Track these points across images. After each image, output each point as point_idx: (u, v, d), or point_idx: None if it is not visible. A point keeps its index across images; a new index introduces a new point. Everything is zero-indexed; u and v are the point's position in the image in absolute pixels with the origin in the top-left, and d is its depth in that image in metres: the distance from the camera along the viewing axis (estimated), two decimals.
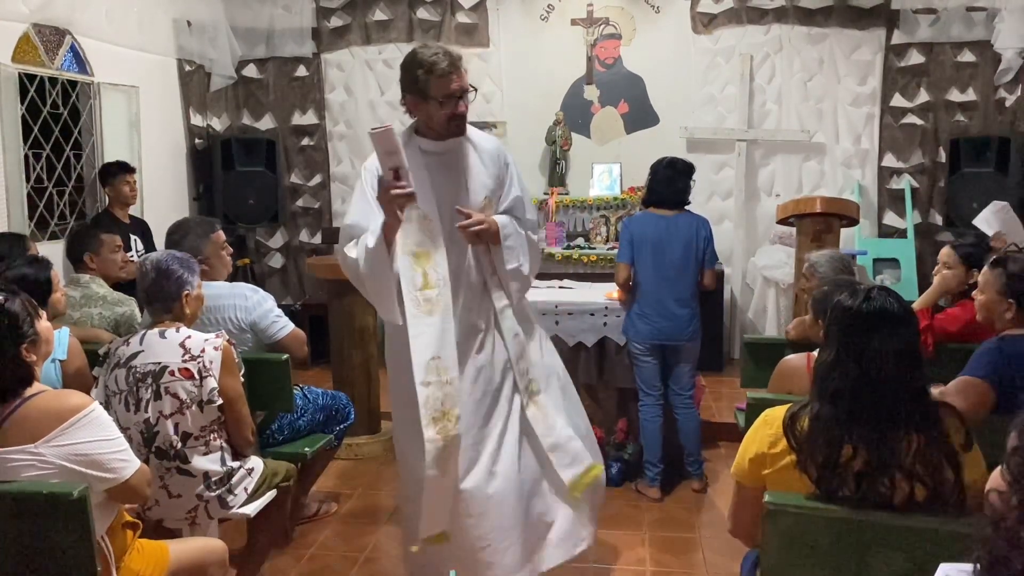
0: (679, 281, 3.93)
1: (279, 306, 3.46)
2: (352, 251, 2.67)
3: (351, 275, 2.74)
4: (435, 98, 2.63)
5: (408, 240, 2.67)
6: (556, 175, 6.49)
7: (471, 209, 2.73)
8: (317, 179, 6.92)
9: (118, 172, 4.95)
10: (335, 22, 6.69)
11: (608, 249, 6.11)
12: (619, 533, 3.69)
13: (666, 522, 3.80)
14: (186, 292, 2.76)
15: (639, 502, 4.01)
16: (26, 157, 4.71)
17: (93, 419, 2.03)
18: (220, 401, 2.66)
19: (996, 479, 1.23)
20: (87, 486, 1.97)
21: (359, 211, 2.71)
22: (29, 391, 2.03)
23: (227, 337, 2.75)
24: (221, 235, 3.42)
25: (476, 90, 2.74)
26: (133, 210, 5.16)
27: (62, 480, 1.98)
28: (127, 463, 2.09)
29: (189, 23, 6.20)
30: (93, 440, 2.02)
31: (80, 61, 5.10)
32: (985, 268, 2.72)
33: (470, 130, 2.81)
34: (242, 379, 2.79)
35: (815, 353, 2.17)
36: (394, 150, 2.46)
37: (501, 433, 2.79)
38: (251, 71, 6.76)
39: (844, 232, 4.83)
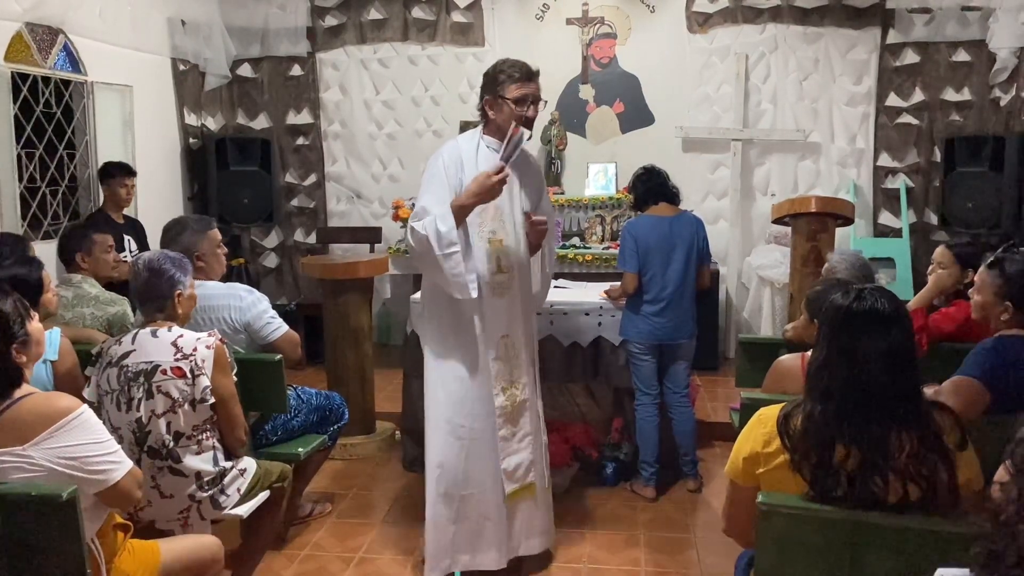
0: (684, 281, 3.94)
1: (274, 306, 3.45)
2: (422, 228, 2.89)
3: (418, 249, 2.95)
4: (510, 99, 3.03)
5: (484, 228, 3.04)
6: (551, 174, 6.48)
7: (531, 212, 3.16)
8: (312, 178, 6.91)
9: (117, 174, 4.92)
10: (330, 21, 6.67)
11: (604, 249, 6.10)
12: (614, 533, 3.68)
13: (661, 522, 3.80)
14: (178, 292, 2.75)
15: (634, 502, 4.01)
16: (19, 157, 4.69)
17: (82, 422, 2.02)
18: (212, 400, 2.65)
19: (1001, 472, 1.22)
20: (76, 488, 1.95)
21: (432, 197, 2.97)
22: (18, 393, 2.01)
23: (219, 336, 2.74)
24: (217, 233, 3.40)
25: (547, 102, 3.17)
26: (127, 210, 5.14)
27: (51, 483, 1.96)
28: (116, 466, 2.07)
29: (183, 22, 6.18)
30: (81, 443, 2.00)
31: (73, 60, 5.08)
32: (982, 268, 2.71)
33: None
34: (235, 379, 2.78)
35: (810, 353, 2.17)
36: (515, 150, 2.94)
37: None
38: (245, 70, 6.74)
39: (839, 232, 4.82)
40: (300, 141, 6.86)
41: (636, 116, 6.56)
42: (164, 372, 2.61)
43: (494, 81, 3.07)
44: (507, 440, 3.11)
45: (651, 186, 4.05)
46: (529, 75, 3.07)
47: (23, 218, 4.72)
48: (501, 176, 2.89)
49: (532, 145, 6.51)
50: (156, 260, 2.74)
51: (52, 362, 2.79)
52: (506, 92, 3.05)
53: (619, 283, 4.09)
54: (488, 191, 2.91)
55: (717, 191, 6.49)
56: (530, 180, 3.25)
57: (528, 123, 3.07)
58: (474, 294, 2.95)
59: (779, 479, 1.87)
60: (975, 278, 2.76)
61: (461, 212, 2.92)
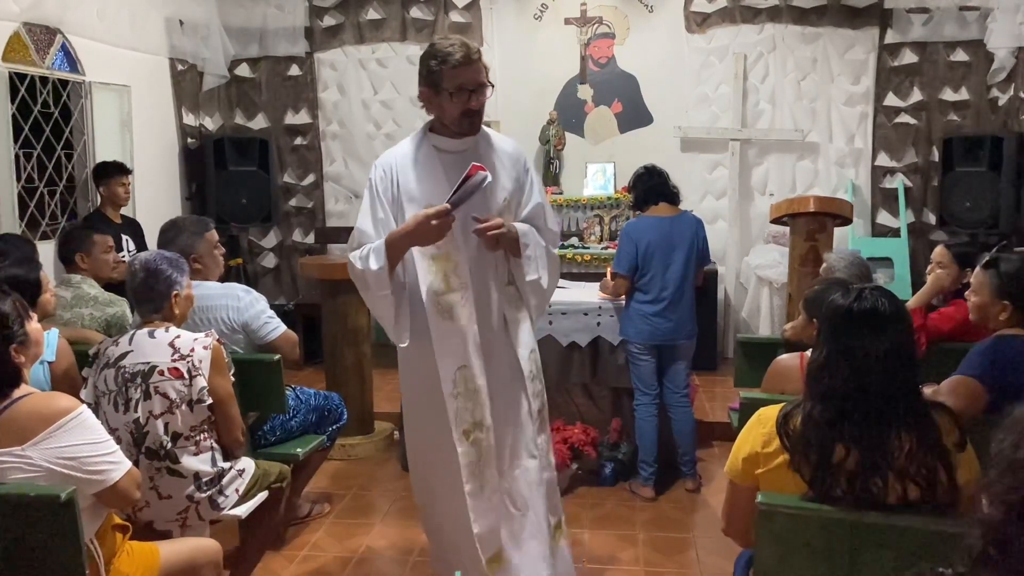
0: (684, 282, 3.94)
1: (272, 306, 3.45)
2: (359, 262, 2.54)
3: (358, 285, 2.62)
4: (447, 90, 2.50)
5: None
6: (550, 174, 6.49)
7: (490, 214, 2.58)
8: (310, 179, 6.90)
9: (114, 173, 4.92)
10: (328, 21, 6.67)
11: (602, 249, 6.10)
12: (612, 533, 3.68)
13: (660, 522, 3.80)
14: (175, 292, 2.74)
15: (632, 502, 4.01)
16: (16, 157, 4.68)
17: (81, 422, 2.02)
18: (210, 400, 2.65)
19: None
20: (75, 488, 1.95)
21: (368, 218, 2.60)
22: (17, 393, 2.01)
23: (217, 336, 2.73)
24: (214, 234, 3.40)
25: (493, 86, 2.59)
26: (125, 210, 5.14)
27: (49, 483, 1.96)
28: (115, 466, 2.07)
29: (181, 22, 6.17)
30: (80, 443, 2.00)
31: (71, 60, 5.07)
32: (978, 269, 2.71)
33: (488, 131, 2.69)
34: (232, 379, 2.78)
35: (808, 353, 2.17)
36: (470, 195, 2.42)
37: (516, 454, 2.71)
38: (244, 70, 6.74)
39: (838, 231, 4.83)
40: (298, 141, 6.85)
41: (634, 116, 6.56)
42: (161, 373, 2.60)
43: (427, 69, 2.52)
44: (476, 497, 2.57)
45: (651, 186, 4.05)
46: (467, 57, 2.48)
47: (21, 218, 4.71)
48: (442, 221, 2.41)
49: (530, 144, 6.54)
50: (153, 260, 2.74)
51: (49, 363, 2.79)
52: (441, 81, 2.49)
53: (608, 278, 4.12)
54: (425, 235, 2.45)
55: (715, 191, 6.49)
56: (502, 170, 2.66)
57: (473, 116, 2.55)
58: (403, 343, 2.60)
59: (778, 479, 1.87)
60: (971, 279, 2.76)
61: (393, 251, 2.49)
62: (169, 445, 2.62)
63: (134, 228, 5.11)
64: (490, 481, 2.60)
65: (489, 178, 2.42)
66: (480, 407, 2.58)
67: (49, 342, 2.76)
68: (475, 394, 2.57)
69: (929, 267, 3.42)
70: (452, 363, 2.55)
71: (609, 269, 4.22)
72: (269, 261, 7.00)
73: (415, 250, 2.55)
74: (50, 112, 5.01)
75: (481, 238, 2.55)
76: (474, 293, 2.59)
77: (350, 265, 2.59)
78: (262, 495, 2.89)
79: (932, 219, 6.18)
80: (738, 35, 6.32)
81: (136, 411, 2.60)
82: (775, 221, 4.94)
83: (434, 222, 2.41)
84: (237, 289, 3.32)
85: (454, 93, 2.50)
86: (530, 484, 2.68)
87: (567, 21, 6.55)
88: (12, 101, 4.63)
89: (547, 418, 2.84)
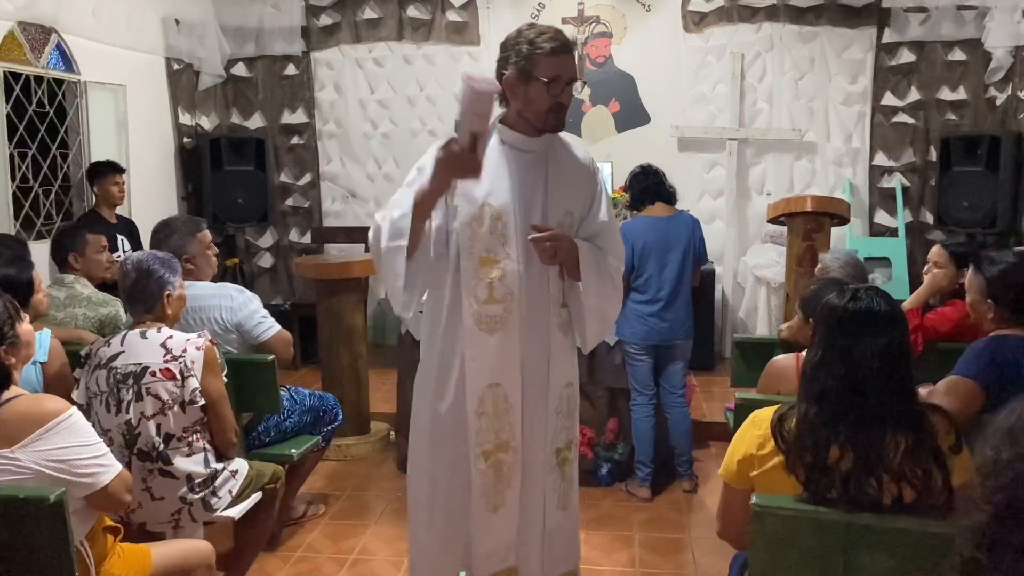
0: (680, 282, 3.93)
1: (268, 306, 3.44)
2: (379, 219, 2.31)
3: (372, 248, 2.36)
4: (540, 79, 2.26)
5: (476, 244, 2.31)
6: None
7: (548, 224, 2.35)
8: (307, 178, 6.88)
9: (107, 172, 4.91)
10: (324, 20, 6.65)
11: None
12: (609, 533, 3.67)
13: (656, 522, 3.79)
14: (167, 292, 2.73)
15: (629, 502, 4.00)
16: (11, 156, 4.66)
17: (70, 425, 2.00)
18: (202, 401, 2.64)
19: None
20: (64, 490, 1.93)
21: (411, 189, 2.29)
22: (7, 394, 2.00)
23: (209, 337, 2.72)
24: (207, 234, 3.39)
25: (585, 83, 2.43)
26: (120, 210, 5.12)
27: (39, 485, 1.95)
28: (105, 468, 2.05)
29: (177, 21, 6.15)
30: (70, 446, 1.98)
31: (66, 59, 5.05)
32: (969, 270, 2.72)
33: (563, 133, 2.46)
34: (225, 379, 2.77)
35: (804, 353, 2.16)
36: (485, 113, 2.07)
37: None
38: (240, 70, 6.72)
39: (835, 231, 4.83)
40: (295, 140, 6.84)
41: (632, 115, 6.55)
42: (153, 374, 2.59)
43: (517, 53, 2.28)
44: (484, 516, 2.41)
45: (647, 186, 4.05)
46: (565, 46, 2.29)
47: (16, 218, 4.69)
48: (460, 153, 2.09)
49: None
50: (145, 261, 2.73)
51: (41, 363, 2.77)
52: (535, 68, 2.26)
53: None
54: (444, 168, 2.13)
55: (713, 190, 6.48)
56: (572, 181, 2.41)
57: (561, 111, 2.33)
58: (407, 313, 2.36)
59: (773, 481, 1.86)
60: (965, 280, 2.77)
61: (422, 203, 2.22)
62: (161, 446, 2.61)
63: (130, 228, 5.09)
64: (508, 502, 2.41)
65: (496, 84, 2.11)
66: (507, 427, 2.38)
67: (41, 343, 2.75)
68: (504, 414, 2.37)
69: (926, 267, 3.41)
70: (483, 380, 2.35)
71: None
72: (265, 261, 6.98)
73: (463, 251, 2.32)
74: (45, 111, 4.99)
75: (536, 248, 2.32)
76: (523, 308, 2.35)
77: (372, 225, 2.36)
78: (256, 496, 2.89)
79: (930, 219, 6.17)
80: (735, 34, 6.31)
81: (128, 412, 2.59)
82: (772, 221, 4.93)
83: (440, 154, 2.13)
84: (230, 289, 3.32)
85: (550, 83, 2.27)
86: (528, 525, 2.49)
87: (564, 20, 6.52)
88: (7, 100, 4.61)
89: (569, 459, 2.57)
